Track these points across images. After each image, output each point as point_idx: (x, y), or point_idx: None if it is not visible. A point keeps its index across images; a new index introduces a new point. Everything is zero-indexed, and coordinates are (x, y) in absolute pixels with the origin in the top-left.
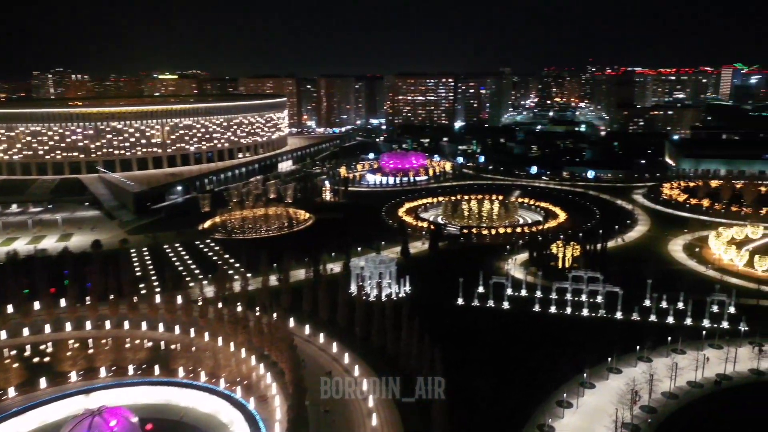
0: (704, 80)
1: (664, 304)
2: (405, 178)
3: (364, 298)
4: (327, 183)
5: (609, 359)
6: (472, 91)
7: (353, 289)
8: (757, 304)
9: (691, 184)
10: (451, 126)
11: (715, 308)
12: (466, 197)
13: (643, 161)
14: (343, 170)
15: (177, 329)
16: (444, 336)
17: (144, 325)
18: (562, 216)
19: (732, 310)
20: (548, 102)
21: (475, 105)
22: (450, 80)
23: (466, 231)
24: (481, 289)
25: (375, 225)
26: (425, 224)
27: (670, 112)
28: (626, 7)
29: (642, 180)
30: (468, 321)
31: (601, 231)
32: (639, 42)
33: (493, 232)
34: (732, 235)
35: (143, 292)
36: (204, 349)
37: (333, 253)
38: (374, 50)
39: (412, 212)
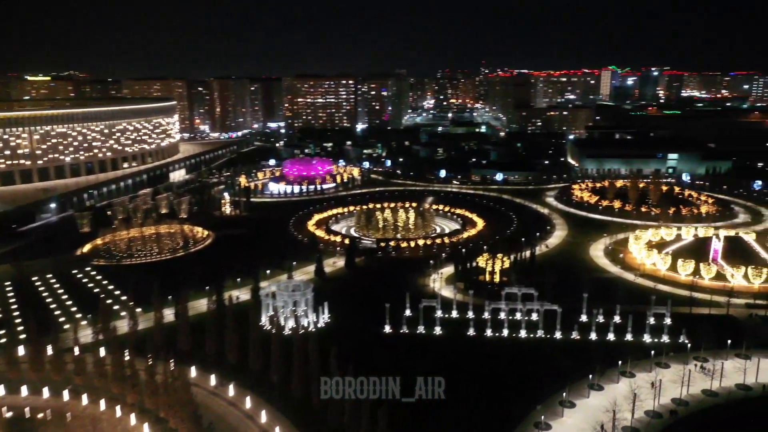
0: (592, 82)
1: (601, 318)
2: (311, 187)
3: (278, 332)
4: (226, 194)
5: (563, 393)
6: (373, 92)
7: (265, 321)
8: (690, 312)
9: (598, 185)
10: (353, 129)
11: (652, 320)
12: (379, 206)
13: (546, 162)
14: (242, 179)
15: (45, 391)
16: (375, 372)
17: (1, 389)
18: (480, 223)
19: (668, 320)
20: (445, 103)
21: (377, 107)
22: (350, 82)
23: (383, 244)
24: (408, 313)
25: (283, 241)
26: (338, 238)
27: (565, 113)
28: (514, 11)
29: (551, 182)
30: (400, 353)
31: (523, 239)
32: (528, 45)
33: (412, 244)
34: (649, 237)
35: (1, 342)
36: (81, 417)
37: (238, 278)
38: (270, 52)
39: (323, 224)
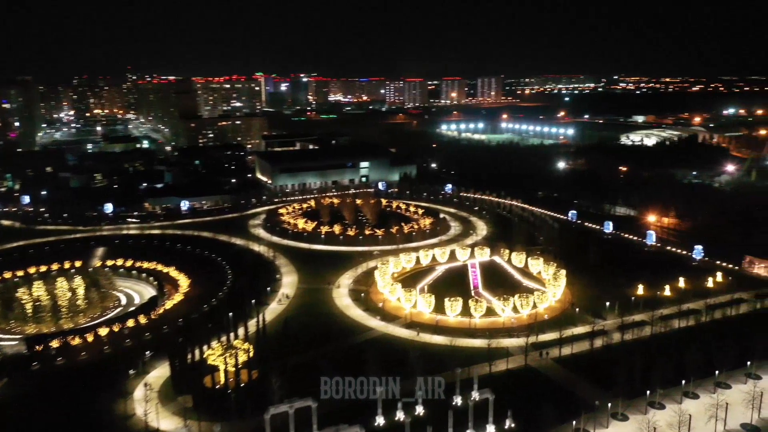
0: (257, 88)
1: (399, 416)
2: None
3: None
4: None
5: None
6: None
7: None
8: (490, 372)
9: (305, 206)
10: None
11: (458, 400)
12: (21, 275)
13: (234, 180)
14: None
15: None
16: None
17: None
18: (184, 281)
19: (476, 395)
20: (88, 114)
21: None
22: None
23: (39, 347)
24: None
25: None
26: None
27: (238, 122)
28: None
29: (250, 206)
30: None
31: (253, 301)
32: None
33: (90, 336)
34: (392, 270)
35: None
36: None
37: None
38: None
39: None
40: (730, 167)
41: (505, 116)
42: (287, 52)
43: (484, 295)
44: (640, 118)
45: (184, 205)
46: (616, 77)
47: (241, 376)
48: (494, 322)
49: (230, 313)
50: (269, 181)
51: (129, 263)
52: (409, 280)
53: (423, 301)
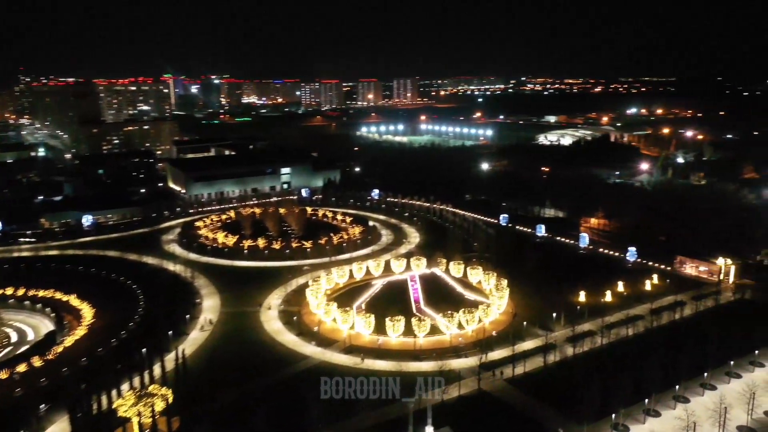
0: (165, 90)
1: None
2: None
3: None
4: None
5: None
6: None
7: None
8: (443, 401)
9: (224, 217)
10: None
11: None
12: None
13: (143, 190)
14: None
15: None
16: None
17: None
18: (88, 312)
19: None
20: None
21: None
22: None
23: None
24: None
25: None
26: None
27: (146, 127)
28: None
29: (162, 219)
30: None
31: (171, 332)
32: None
33: None
34: (324, 286)
35: None
36: None
37: None
38: None
39: None
40: (645, 165)
41: (423, 117)
42: (197, 52)
43: (426, 312)
44: (552, 118)
45: (87, 220)
46: (523, 78)
47: (159, 427)
48: (440, 341)
49: (144, 349)
50: (183, 191)
51: (20, 292)
52: (345, 297)
53: (362, 321)
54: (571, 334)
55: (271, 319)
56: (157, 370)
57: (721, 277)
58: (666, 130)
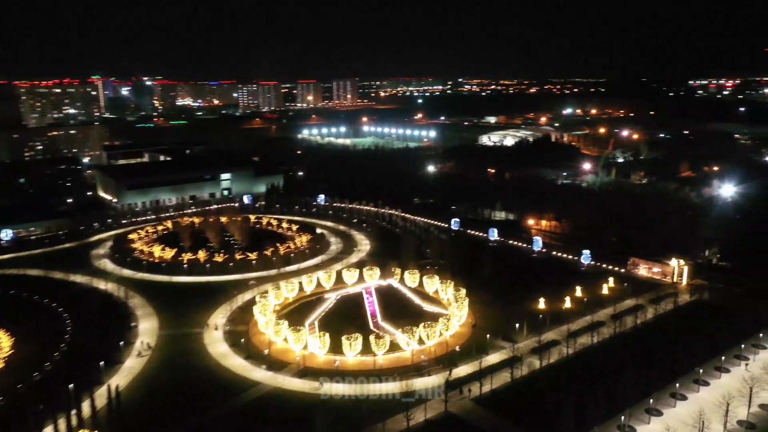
0: (93, 93)
1: None
2: None
3: None
4: None
5: None
6: None
7: None
8: (408, 426)
9: (161, 228)
10: None
11: None
12: None
13: (70, 201)
14: None
15: None
16: None
17: None
18: (5, 340)
19: None
20: None
21: None
22: None
23: None
24: None
25: None
26: None
27: (73, 132)
28: None
29: (92, 231)
30: None
31: (102, 362)
32: None
33: None
34: (274, 302)
35: None
36: None
37: None
38: None
39: None
40: (587, 165)
41: (365, 119)
42: (128, 53)
43: (385, 328)
44: (492, 119)
45: (6, 234)
46: (460, 80)
47: None
48: (400, 358)
49: (71, 384)
50: (114, 200)
51: None
52: (296, 314)
53: (315, 340)
54: (536, 345)
55: (216, 340)
56: (86, 407)
57: (675, 278)
58: (602, 130)
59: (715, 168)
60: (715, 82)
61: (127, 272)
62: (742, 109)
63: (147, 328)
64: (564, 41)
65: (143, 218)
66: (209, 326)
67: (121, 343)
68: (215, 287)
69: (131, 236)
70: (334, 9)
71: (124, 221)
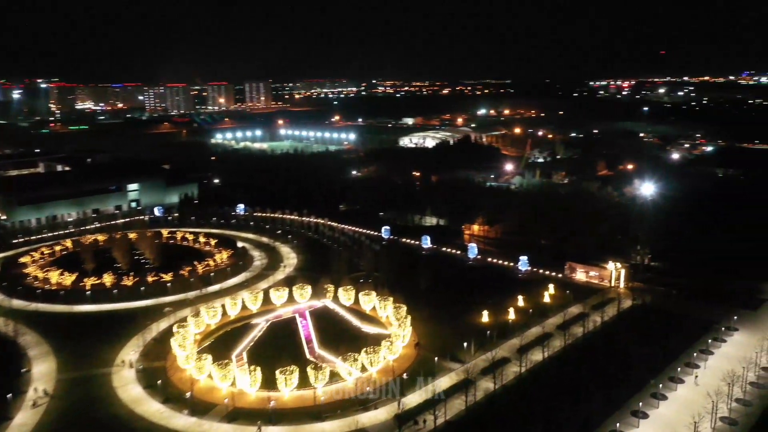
0: None
1: None
2: None
3: None
4: None
5: None
6: None
7: None
8: None
9: (58, 248)
10: None
11: None
12: None
13: None
14: None
15: None
16: None
17: None
18: None
19: None
20: None
21: None
22: None
23: None
24: None
25: None
26: None
27: None
28: None
29: None
30: None
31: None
32: None
33: None
34: (193, 331)
35: None
36: None
37: None
38: None
39: None
40: (509, 166)
41: (281, 122)
42: (20, 54)
43: (323, 356)
44: (409, 120)
45: None
46: (374, 81)
47: None
48: (343, 390)
49: None
50: (3, 217)
51: None
52: (220, 345)
53: (244, 376)
54: (486, 364)
55: (127, 382)
56: None
57: (613, 281)
58: (518, 130)
59: (629, 166)
60: (614, 83)
61: (17, 303)
62: (646, 108)
63: (43, 372)
64: (475, 43)
65: (38, 237)
66: (120, 364)
67: (9, 395)
68: (125, 316)
69: (23, 259)
70: (242, 9)
71: (14, 242)
